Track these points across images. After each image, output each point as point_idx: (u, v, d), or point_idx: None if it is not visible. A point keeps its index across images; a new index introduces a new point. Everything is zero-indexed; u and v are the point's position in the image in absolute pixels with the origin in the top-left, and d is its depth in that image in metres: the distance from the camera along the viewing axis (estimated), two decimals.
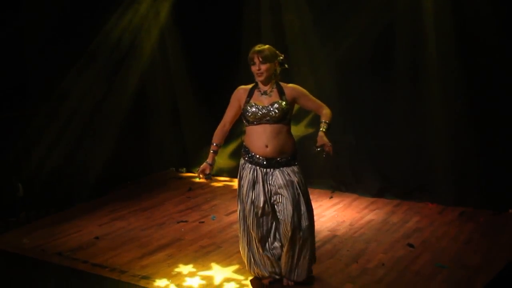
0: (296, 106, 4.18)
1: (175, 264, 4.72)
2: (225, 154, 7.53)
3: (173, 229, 5.58)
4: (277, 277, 4.23)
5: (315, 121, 6.31)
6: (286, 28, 6.63)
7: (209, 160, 4.21)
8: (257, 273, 4.26)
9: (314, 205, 5.72)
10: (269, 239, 4.17)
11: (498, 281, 4.13)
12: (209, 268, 4.64)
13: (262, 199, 4.05)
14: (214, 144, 4.23)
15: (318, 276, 4.38)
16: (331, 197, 6.45)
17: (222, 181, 7.37)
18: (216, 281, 4.39)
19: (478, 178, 5.86)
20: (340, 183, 6.67)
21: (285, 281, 4.23)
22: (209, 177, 4.18)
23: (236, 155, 7.43)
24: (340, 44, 6.41)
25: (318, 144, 3.92)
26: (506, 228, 5.36)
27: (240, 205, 4.18)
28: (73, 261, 4.81)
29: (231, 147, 7.43)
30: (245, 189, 4.10)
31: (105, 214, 6.04)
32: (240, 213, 4.20)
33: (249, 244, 4.19)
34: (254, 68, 4.02)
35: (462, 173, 5.95)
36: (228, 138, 7.52)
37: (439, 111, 5.96)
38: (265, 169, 4.05)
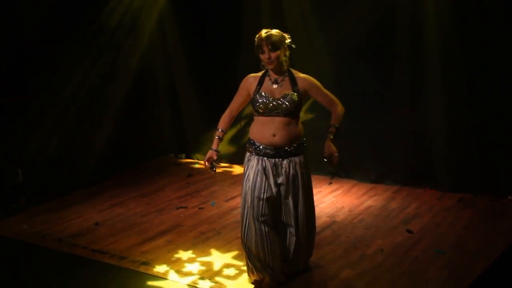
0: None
1: (175, 250, 4.72)
2: (225, 139, 7.45)
3: (172, 215, 5.58)
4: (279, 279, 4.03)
5: (315, 107, 6.34)
6: (285, 12, 6.58)
7: (214, 146, 4.02)
8: (260, 277, 4.02)
9: (313, 191, 5.75)
10: (276, 231, 3.93)
11: (496, 266, 4.14)
12: (208, 254, 4.65)
13: (273, 190, 3.85)
14: (220, 130, 4.05)
15: (317, 262, 4.39)
16: (330, 183, 6.46)
17: (221, 167, 7.26)
18: (216, 267, 4.40)
19: (477, 165, 5.85)
20: (340, 169, 6.59)
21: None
22: (214, 166, 3.99)
23: (235, 141, 7.43)
24: (340, 28, 6.37)
25: (325, 154, 3.88)
26: (504, 214, 5.37)
27: (245, 201, 3.91)
28: (73, 247, 4.82)
29: (231, 132, 7.41)
30: (251, 180, 3.86)
31: (105, 200, 6.05)
32: (244, 209, 3.91)
33: (251, 242, 3.90)
34: (263, 57, 3.78)
35: (462, 159, 5.95)
36: None
37: (439, 97, 5.94)
38: (273, 159, 3.87)
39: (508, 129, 5.68)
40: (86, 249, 4.77)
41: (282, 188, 3.90)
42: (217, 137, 4.06)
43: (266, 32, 3.78)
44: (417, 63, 6.01)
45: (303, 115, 6.36)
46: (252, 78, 3.94)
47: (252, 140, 3.96)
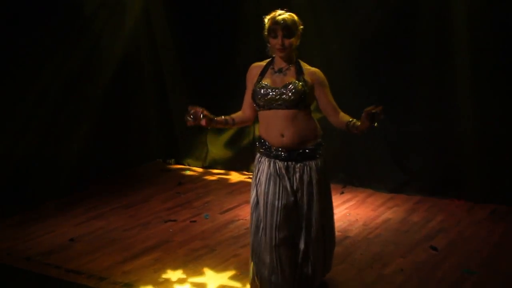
0: None
1: (163, 269, 4.73)
2: (220, 143, 7.55)
3: (160, 230, 5.60)
4: None
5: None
6: None
7: (216, 117, 3.94)
8: None
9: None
10: (290, 244, 3.95)
11: None
12: (201, 274, 4.66)
13: (290, 196, 3.86)
14: (230, 115, 4.05)
15: (327, 283, 4.38)
16: (342, 193, 6.48)
17: (216, 174, 7.41)
18: None
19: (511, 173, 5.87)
20: (353, 177, 6.71)
21: None
22: (196, 116, 3.77)
23: (232, 145, 7.46)
24: (353, 15, 6.40)
25: (373, 120, 3.58)
26: None
27: (255, 208, 3.96)
28: (44, 266, 4.82)
29: (226, 135, 7.47)
30: (263, 185, 3.89)
31: (82, 213, 6.05)
32: (253, 216, 3.97)
33: (259, 258, 3.95)
34: (275, 42, 3.79)
35: (495, 165, 5.96)
36: None
37: (468, 93, 5.95)
38: (286, 163, 3.89)
39: None
40: (60, 268, 4.77)
41: (297, 196, 3.90)
42: (223, 116, 4.01)
43: (279, 14, 3.81)
44: (443, 55, 6.04)
45: None
46: (255, 68, 3.98)
47: (263, 139, 3.99)
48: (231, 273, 4.65)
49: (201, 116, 3.76)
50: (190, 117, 3.78)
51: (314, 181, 3.90)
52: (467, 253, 4.92)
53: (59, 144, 6.60)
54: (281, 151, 3.88)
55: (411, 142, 6.35)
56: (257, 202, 3.96)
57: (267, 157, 3.94)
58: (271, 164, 3.90)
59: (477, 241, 5.17)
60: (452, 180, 6.23)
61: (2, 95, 6.17)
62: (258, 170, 3.97)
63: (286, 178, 3.87)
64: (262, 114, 3.92)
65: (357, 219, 5.74)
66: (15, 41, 6.12)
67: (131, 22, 7.25)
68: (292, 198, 3.87)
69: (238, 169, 7.43)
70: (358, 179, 6.68)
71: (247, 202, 6.16)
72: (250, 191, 4.04)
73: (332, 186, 6.40)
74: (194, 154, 7.73)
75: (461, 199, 6.12)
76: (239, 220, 5.78)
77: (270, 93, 3.81)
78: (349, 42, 6.45)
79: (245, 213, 5.93)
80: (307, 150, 3.90)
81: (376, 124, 3.58)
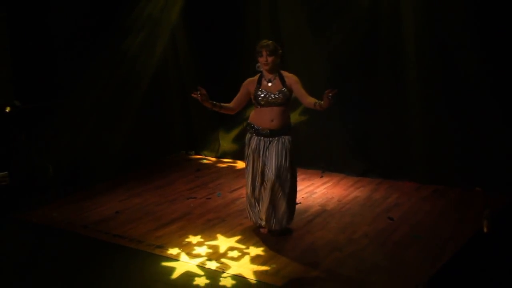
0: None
1: (186, 235, 4.75)
2: (229, 138, 7.54)
3: (183, 205, 5.61)
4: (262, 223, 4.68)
5: (306, 112, 6.40)
6: (282, 25, 6.60)
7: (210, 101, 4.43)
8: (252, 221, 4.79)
9: (306, 183, 5.74)
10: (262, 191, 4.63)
11: (465, 249, 4.16)
12: (215, 238, 4.69)
13: (264, 160, 4.49)
14: (221, 103, 4.54)
15: (309, 246, 4.44)
16: (322, 177, 6.47)
17: (226, 162, 7.38)
18: (221, 250, 4.43)
19: (449, 160, 5.87)
20: (330, 164, 6.69)
21: (263, 230, 4.63)
22: (201, 93, 4.34)
23: (238, 140, 7.45)
24: (330, 40, 6.38)
25: (329, 99, 4.20)
26: (473, 203, 5.39)
27: (247, 168, 4.64)
28: (96, 232, 4.86)
29: (234, 132, 7.44)
30: (251, 156, 4.53)
31: (124, 192, 6.05)
32: (247, 175, 4.64)
33: (248, 197, 4.69)
34: (261, 59, 4.41)
35: (436, 156, 5.96)
36: (232, 123, 7.58)
37: (416, 103, 5.95)
38: (269, 139, 4.47)
39: (475, 129, 5.70)
40: (108, 234, 4.81)
41: (271, 155, 4.45)
42: (215, 102, 4.49)
43: (265, 42, 4.46)
44: (398, 72, 6.03)
45: (297, 117, 6.45)
46: (251, 80, 4.54)
47: (253, 124, 4.56)
48: (237, 237, 4.69)
49: (203, 96, 4.35)
50: (196, 93, 4.33)
51: (285, 147, 4.46)
52: (416, 222, 4.95)
53: (106, 139, 6.54)
54: (267, 132, 4.47)
55: (374, 138, 6.33)
56: (248, 165, 4.60)
57: (256, 135, 4.51)
58: (257, 141, 4.50)
59: (423, 213, 5.18)
60: (404, 167, 6.20)
61: (66, 102, 6.20)
62: (250, 145, 4.56)
63: (265, 150, 4.47)
64: (260, 109, 4.46)
65: (333, 197, 5.75)
66: (77, 61, 6.17)
67: (160, 47, 7.10)
68: (264, 160, 4.47)
69: (243, 159, 7.41)
70: (334, 166, 6.64)
71: None
72: (245, 158, 4.64)
73: (313, 171, 6.61)
74: (209, 147, 7.72)
75: (411, 181, 6.11)
76: (243, 197, 5.77)
77: (270, 97, 4.42)
78: (326, 62, 6.42)
79: None
80: (283, 129, 4.50)
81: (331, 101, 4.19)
